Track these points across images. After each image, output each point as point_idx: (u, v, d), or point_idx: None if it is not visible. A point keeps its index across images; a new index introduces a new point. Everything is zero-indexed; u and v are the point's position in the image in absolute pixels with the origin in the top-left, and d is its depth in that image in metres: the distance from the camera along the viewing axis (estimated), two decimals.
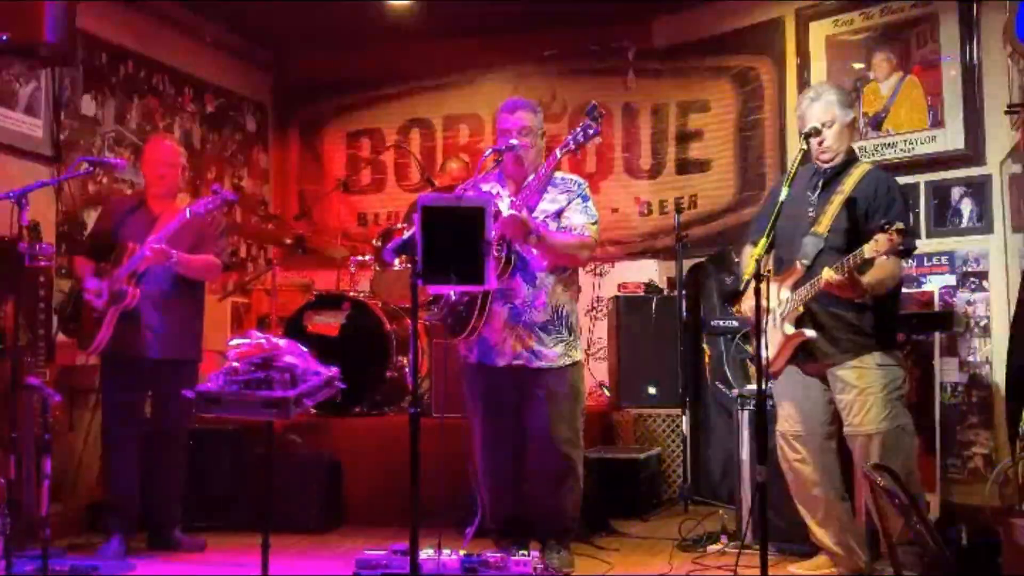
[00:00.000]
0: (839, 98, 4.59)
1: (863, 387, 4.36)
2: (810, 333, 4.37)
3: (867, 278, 4.19)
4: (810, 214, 4.51)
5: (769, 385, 4.98)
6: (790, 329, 4.41)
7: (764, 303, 3.98)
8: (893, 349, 4.49)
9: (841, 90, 4.79)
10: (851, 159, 4.62)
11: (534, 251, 4.73)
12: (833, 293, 4.23)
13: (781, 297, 4.48)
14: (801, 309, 4.39)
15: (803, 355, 4.48)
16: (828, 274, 4.17)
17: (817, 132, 4.44)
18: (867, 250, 4.00)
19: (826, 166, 4.56)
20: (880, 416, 4.32)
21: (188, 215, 5.19)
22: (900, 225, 3.92)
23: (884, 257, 4.05)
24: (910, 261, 5.91)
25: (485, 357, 4.85)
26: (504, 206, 4.57)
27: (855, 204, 4.42)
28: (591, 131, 4.51)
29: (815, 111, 4.54)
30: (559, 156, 4.63)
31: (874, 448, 4.31)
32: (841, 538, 4.53)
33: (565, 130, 8.10)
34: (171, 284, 5.41)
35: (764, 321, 4.50)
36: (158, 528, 5.52)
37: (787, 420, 4.64)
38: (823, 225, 4.44)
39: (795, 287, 4.43)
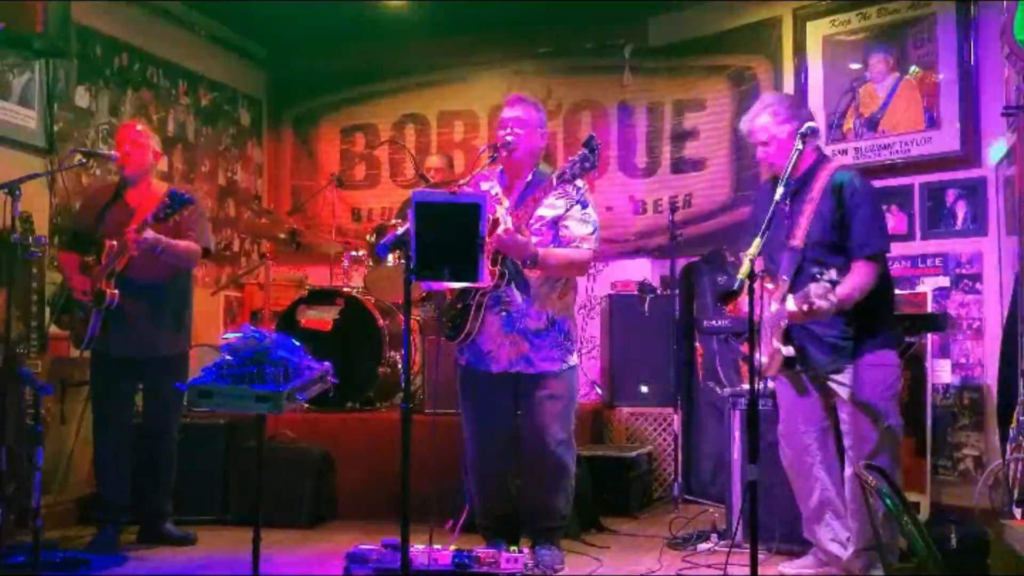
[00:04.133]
0: (772, 113, 4.58)
1: (859, 386, 4.37)
2: (787, 351, 4.37)
3: (834, 295, 4.08)
4: (786, 224, 4.47)
5: (771, 385, 5.01)
6: (776, 344, 4.43)
7: (758, 302, 3.98)
8: (886, 348, 4.47)
9: (778, 103, 4.70)
10: (816, 163, 4.55)
11: (533, 273, 4.73)
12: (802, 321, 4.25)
13: (771, 309, 4.49)
14: (784, 324, 4.38)
15: (799, 364, 4.48)
16: (791, 306, 4.18)
17: (815, 132, 4.42)
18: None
19: (792, 175, 4.41)
20: (875, 415, 4.34)
21: (151, 219, 5.14)
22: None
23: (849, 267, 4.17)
24: (902, 262, 5.95)
25: (479, 363, 4.85)
26: (507, 223, 4.53)
27: (824, 214, 4.39)
28: (588, 164, 4.48)
29: (754, 130, 4.61)
30: (555, 184, 4.58)
31: (868, 447, 4.32)
32: (835, 536, 4.54)
33: (560, 128, 8.15)
34: (155, 278, 5.39)
35: (758, 321, 4.52)
36: (149, 521, 5.51)
37: (786, 420, 4.68)
38: (798, 238, 4.42)
39: (782, 301, 4.40)
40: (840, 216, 4.37)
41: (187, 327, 5.67)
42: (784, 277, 4.42)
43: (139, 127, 5.69)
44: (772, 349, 4.47)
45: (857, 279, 4.30)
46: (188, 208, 5.12)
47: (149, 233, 5.10)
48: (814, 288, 3.99)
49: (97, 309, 5.22)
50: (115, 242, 5.22)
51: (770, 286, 4.49)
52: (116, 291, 5.21)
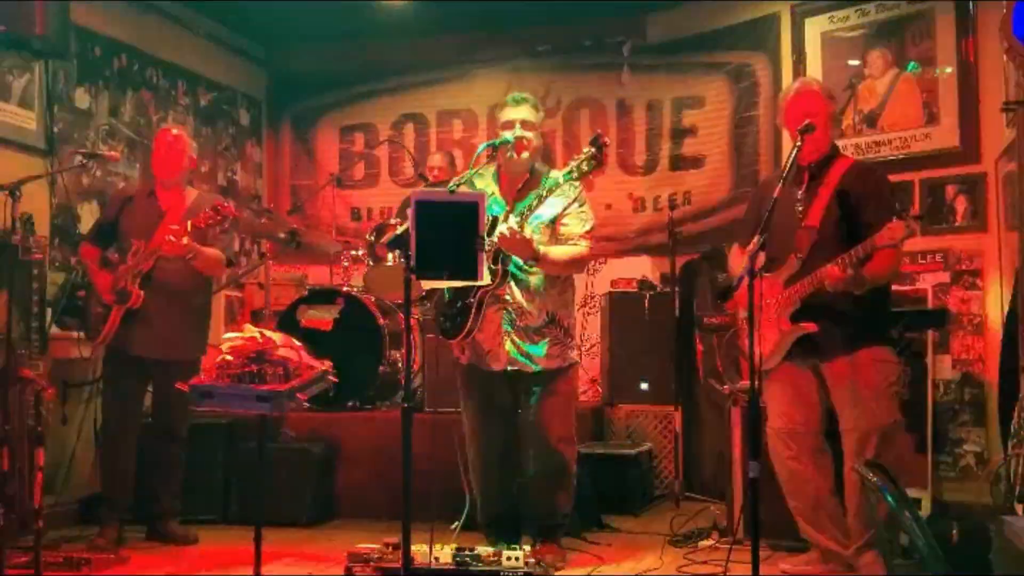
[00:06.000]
0: (822, 89, 4.63)
1: (860, 382, 4.34)
2: (809, 327, 4.35)
3: (865, 271, 4.17)
4: (799, 209, 4.48)
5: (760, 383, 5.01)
6: (785, 327, 4.40)
7: (757, 299, 3.97)
8: (888, 344, 4.48)
9: (822, 83, 4.85)
10: (834, 152, 4.60)
11: (535, 269, 4.74)
12: (837, 289, 4.20)
13: (775, 293, 4.46)
14: (799, 304, 4.38)
15: (798, 350, 4.46)
16: (832, 272, 4.15)
17: (812, 129, 4.42)
18: (879, 239, 3.99)
19: (812, 159, 4.52)
20: (878, 411, 4.32)
21: (190, 228, 5.16)
22: (917, 212, 3.93)
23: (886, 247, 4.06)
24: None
25: (480, 361, 4.85)
26: (509, 222, 4.55)
27: (844, 195, 4.40)
28: (595, 162, 4.51)
29: (801, 103, 4.53)
30: (561, 183, 4.62)
31: (871, 444, 4.29)
32: (832, 534, 4.52)
33: (559, 125, 8.14)
34: (180, 282, 5.40)
35: (758, 317, 4.52)
36: (154, 520, 5.52)
37: (780, 417, 4.61)
38: (814, 218, 4.42)
39: (789, 281, 4.41)
40: (863, 197, 4.35)
41: (206, 332, 5.69)
42: (799, 255, 4.39)
43: (175, 131, 5.70)
44: (777, 335, 4.44)
45: (887, 261, 4.27)
46: (227, 223, 5.18)
47: (187, 240, 5.12)
48: (851, 258, 4.08)
49: (119, 306, 5.23)
50: (142, 242, 5.23)
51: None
52: (141, 292, 5.23)
